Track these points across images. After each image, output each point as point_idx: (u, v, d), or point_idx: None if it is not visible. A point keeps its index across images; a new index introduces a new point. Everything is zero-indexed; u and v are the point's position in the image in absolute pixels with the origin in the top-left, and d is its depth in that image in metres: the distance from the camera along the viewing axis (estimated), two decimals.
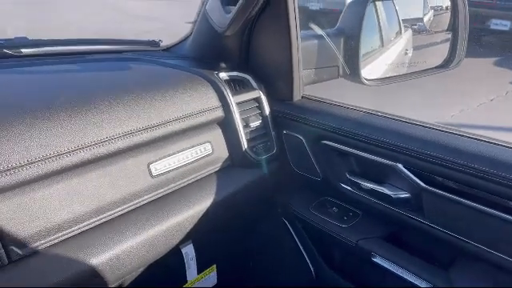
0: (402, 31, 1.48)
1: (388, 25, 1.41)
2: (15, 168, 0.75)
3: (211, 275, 1.18)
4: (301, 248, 1.26)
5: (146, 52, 1.33)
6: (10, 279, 0.76)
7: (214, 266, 1.19)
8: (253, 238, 1.36)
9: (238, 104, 1.13)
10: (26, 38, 1.23)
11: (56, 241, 0.83)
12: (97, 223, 0.88)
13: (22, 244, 0.78)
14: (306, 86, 1.23)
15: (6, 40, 1.20)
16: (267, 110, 1.20)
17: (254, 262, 1.39)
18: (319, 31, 1.26)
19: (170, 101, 1.01)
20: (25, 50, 1.17)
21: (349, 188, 1.11)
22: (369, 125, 1.02)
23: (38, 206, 0.80)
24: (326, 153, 1.12)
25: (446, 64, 1.29)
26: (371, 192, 1.05)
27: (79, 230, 0.86)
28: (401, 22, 1.47)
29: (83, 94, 0.93)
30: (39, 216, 0.80)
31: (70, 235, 0.85)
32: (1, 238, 0.76)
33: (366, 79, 1.20)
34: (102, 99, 0.92)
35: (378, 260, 1.02)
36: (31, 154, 0.77)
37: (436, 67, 1.30)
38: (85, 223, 0.87)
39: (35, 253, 0.80)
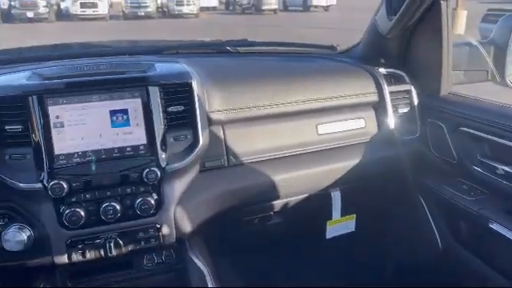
0: None
1: None
2: (243, 108, 1.25)
3: (351, 222, 1.51)
4: (431, 221, 1.47)
5: (325, 53, 1.76)
6: (227, 174, 1.26)
7: (354, 215, 1.52)
8: (387, 208, 1.62)
9: (391, 93, 1.45)
10: (246, 39, 1.80)
11: (254, 160, 1.30)
12: (278, 156, 1.33)
13: (236, 156, 1.27)
14: (455, 85, 1.46)
15: (227, 41, 1.79)
16: (416, 101, 1.48)
17: (385, 226, 1.65)
18: (473, 40, 1.48)
19: (336, 82, 1.41)
20: (240, 48, 1.73)
21: (480, 170, 1.30)
22: (505, 115, 1.21)
23: (248, 136, 1.29)
24: (464, 138, 1.34)
25: None
26: (502, 174, 1.22)
27: (268, 157, 1.31)
28: None
29: (279, 74, 1.40)
30: (248, 142, 1.29)
31: (262, 159, 1.31)
32: (226, 150, 1.26)
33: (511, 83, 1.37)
34: (290, 77, 1.38)
35: (494, 227, 1.18)
36: (251, 102, 1.27)
37: None
38: (271, 153, 1.32)
39: (241, 164, 1.28)
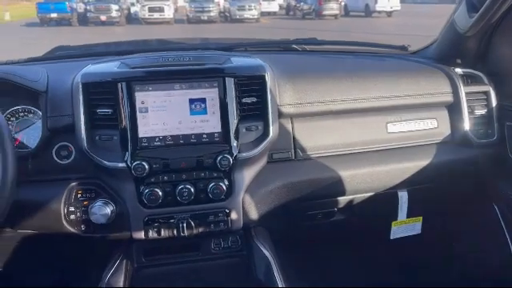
0: None
1: None
2: (313, 103, 1.27)
3: (416, 224, 1.47)
4: (504, 229, 1.39)
5: (396, 53, 1.73)
6: (293, 167, 1.28)
7: (421, 218, 1.47)
8: (456, 212, 1.56)
9: (468, 94, 1.39)
10: (315, 38, 1.82)
11: (321, 154, 1.31)
12: (345, 152, 1.33)
13: (303, 149, 1.29)
14: None
15: (296, 40, 1.81)
16: (494, 103, 1.41)
17: (453, 230, 1.58)
18: None
19: (409, 81, 1.38)
20: (307, 47, 1.74)
21: None
22: None
23: (317, 130, 1.31)
24: None
25: None
26: None
27: (335, 153, 1.32)
28: None
29: (350, 70, 1.40)
30: (316, 137, 1.30)
31: (329, 154, 1.31)
32: (294, 143, 1.29)
33: None
34: (360, 74, 1.37)
35: None
36: (321, 97, 1.28)
37: None
38: (339, 149, 1.32)
39: (308, 158, 1.30)
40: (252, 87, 1.19)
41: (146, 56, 1.27)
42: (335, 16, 20.24)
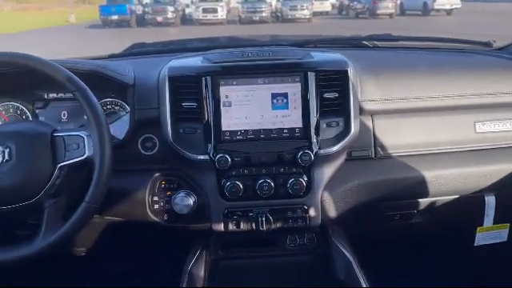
0: None
1: None
2: (396, 99, 1.22)
3: (503, 231, 1.37)
4: None
5: (479, 50, 1.63)
6: (373, 166, 1.24)
7: (508, 225, 1.37)
8: None
9: None
10: (390, 34, 1.76)
11: (403, 153, 1.25)
12: (429, 152, 1.27)
13: (384, 148, 1.24)
14: None
15: (369, 36, 1.75)
16: None
17: None
18: None
19: (496, 78, 1.29)
20: (379, 43, 1.68)
21: None
22: None
23: (399, 128, 1.26)
24: None
25: None
26: None
27: (418, 152, 1.26)
28: None
29: (432, 67, 1.34)
30: (398, 135, 1.25)
31: (411, 153, 1.26)
32: (374, 140, 1.24)
33: None
34: (444, 70, 1.31)
35: None
36: (404, 93, 1.23)
37: None
38: (422, 148, 1.26)
39: (389, 156, 1.25)
40: (334, 82, 1.17)
41: (227, 51, 1.28)
42: (390, 15, 19.61)
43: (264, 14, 18.96)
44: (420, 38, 1.74)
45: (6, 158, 0.93)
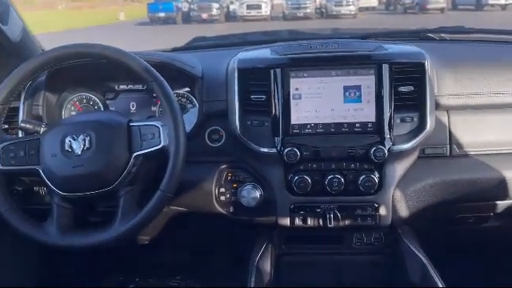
0: None
1: None
2: (475, 95, 1.15)
3: None
4: None
5: None
6: (447, 164, 1.17)
7: None
8: None
9: None
10: (463, 26, 1.66)
11: (481, 152, 1.18)
12: (510, 151, 1.18)
13: (460, 146, 1.17)
14: None
15: (439, 28, 1.65)
16: None
17: None
18: None
19: None
20: (446, 36, 1.58)
21: None
22: None
23: (477, 125, 1.18)
24: None
25: None
26: None
27: (498, 151, 1.18)
28: None
29: (492, 59, 1.25)
30: (476, 132, 1.18)
31: (490, 152, 1.18)
32: (450, 138, 1.17)
33: None
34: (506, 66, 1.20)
35: None
36: (484, 88, 1.15)
37: None
38: (503, 147, 1.18)
39: (465, 155, 1.17)
40: (410, 75, 1.11)
41: (295, 43, 1.26)
42: (441, 10, 18.75)
43: (308, 10, 18.71)
44: (493, 31, 1.63)
45: (87, 145, 0.95)
